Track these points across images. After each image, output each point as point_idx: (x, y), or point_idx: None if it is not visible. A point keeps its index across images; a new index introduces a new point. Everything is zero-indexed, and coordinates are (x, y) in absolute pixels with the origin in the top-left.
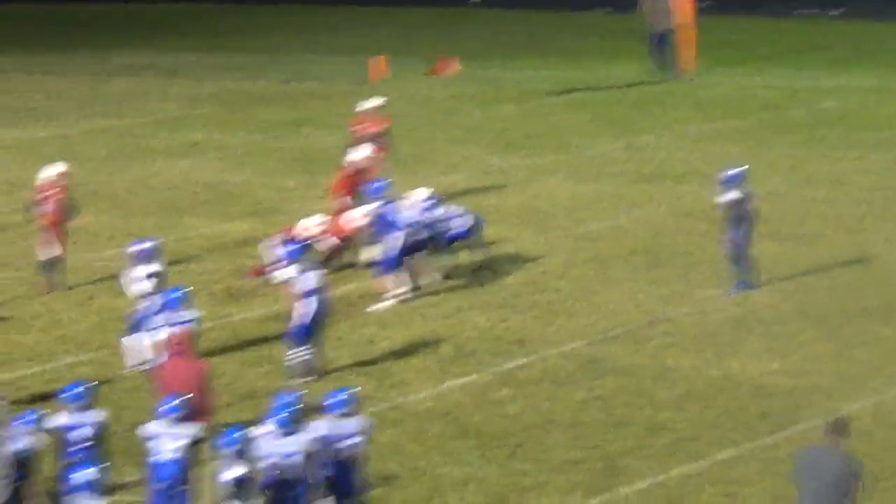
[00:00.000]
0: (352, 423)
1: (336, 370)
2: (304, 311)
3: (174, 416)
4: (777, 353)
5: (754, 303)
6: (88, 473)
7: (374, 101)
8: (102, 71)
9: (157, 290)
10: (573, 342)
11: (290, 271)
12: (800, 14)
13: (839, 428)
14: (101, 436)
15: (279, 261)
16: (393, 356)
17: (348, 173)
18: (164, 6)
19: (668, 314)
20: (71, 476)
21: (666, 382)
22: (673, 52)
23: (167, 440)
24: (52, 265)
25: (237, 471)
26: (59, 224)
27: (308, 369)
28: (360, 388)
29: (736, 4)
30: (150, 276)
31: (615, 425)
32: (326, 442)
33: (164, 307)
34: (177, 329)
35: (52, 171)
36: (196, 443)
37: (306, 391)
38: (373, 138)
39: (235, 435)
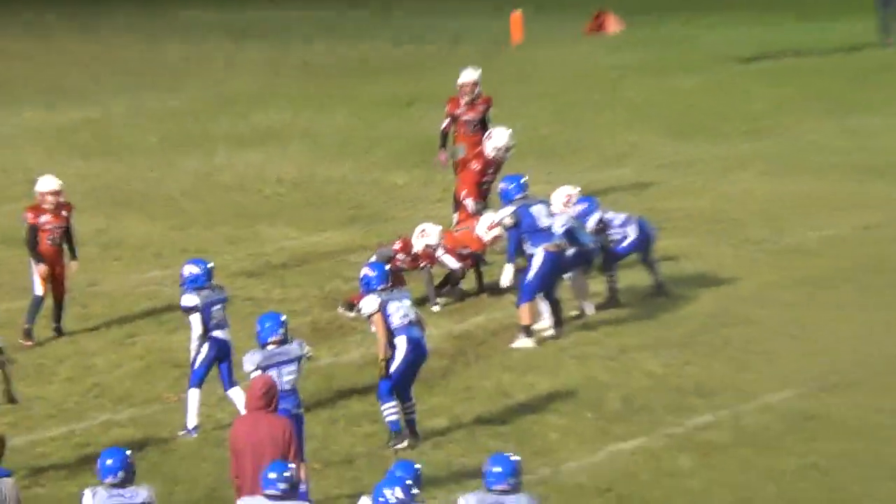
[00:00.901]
0: (515, 501)
1: (463, 428)
2: (390, 354)
3: (275, 490)
4: None
5: None
6: None
7: (470, 75)
8: (156, 31)
9: (209, 326)
10: (778, 393)
11: (372, 302)
12: None
13: None
14: None
15: (364, 287)
16: (536, 412)
17: (476, 168)
18: None
19: None
20: None
21: None
22: None
23: None
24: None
25: None
26: (53, 258)
27: (399, 431)
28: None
29: None
30: (185, 309)
31: None
32: None
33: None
34: (267, 372)
35: (46, 184)
36: None
37: (423, 461)
38: (472, 125)
39: None
